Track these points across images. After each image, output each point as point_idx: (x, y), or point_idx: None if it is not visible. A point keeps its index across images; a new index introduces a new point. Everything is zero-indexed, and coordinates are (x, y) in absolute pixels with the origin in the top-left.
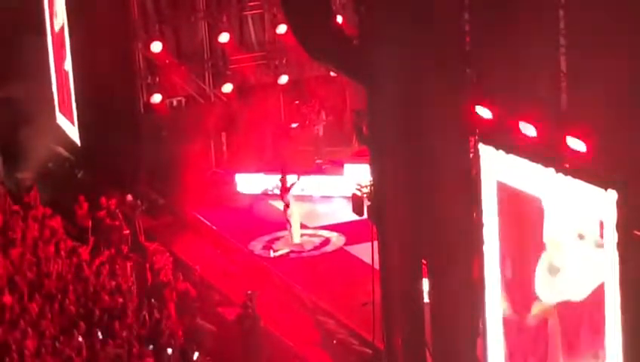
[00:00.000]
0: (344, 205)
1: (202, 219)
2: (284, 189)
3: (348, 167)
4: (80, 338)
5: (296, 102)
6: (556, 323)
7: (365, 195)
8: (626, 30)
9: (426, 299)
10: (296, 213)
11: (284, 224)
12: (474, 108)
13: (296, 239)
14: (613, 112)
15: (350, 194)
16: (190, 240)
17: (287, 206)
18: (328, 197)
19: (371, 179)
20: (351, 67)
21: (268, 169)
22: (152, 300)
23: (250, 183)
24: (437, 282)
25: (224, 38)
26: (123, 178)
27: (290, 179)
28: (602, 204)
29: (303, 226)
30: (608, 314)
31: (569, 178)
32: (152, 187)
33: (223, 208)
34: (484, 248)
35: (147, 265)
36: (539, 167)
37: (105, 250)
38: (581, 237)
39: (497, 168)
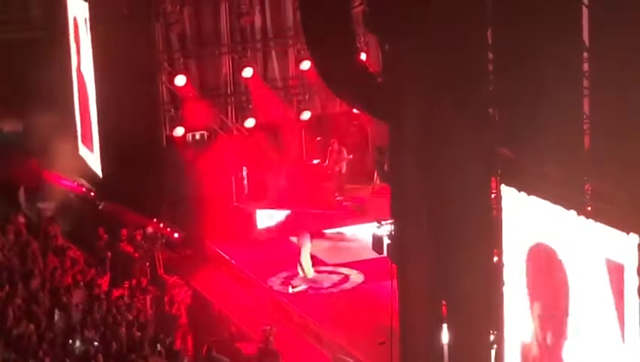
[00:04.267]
0: (364, 242)
1: (222, 253)
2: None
3: (369, 204)
4: None
5: (318, 138)
6: None
7: (385, 233)
8: None
9: (445, 340)
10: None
11: None
12: (496, 148)
13: (310, 274)
14: (636, 155)
15: (370, 232)
16: (209, 274)
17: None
18: (348, 234)
19: (392, 216)
20: (374, 105)
21: (287, 205)
22: (171, 332)
23: (270, 219)
24: (456, 322)
25: (248, 72)
26: (144, 210)
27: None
28: (623, 248)
29: (322, 263)
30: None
31: (590, 221)
32: (172, 220)
33: (242, 243)
34: (505, 290)
35: (166, 299)
36: (560, 209)
37: (125, 282)
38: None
39: (519, 209)
